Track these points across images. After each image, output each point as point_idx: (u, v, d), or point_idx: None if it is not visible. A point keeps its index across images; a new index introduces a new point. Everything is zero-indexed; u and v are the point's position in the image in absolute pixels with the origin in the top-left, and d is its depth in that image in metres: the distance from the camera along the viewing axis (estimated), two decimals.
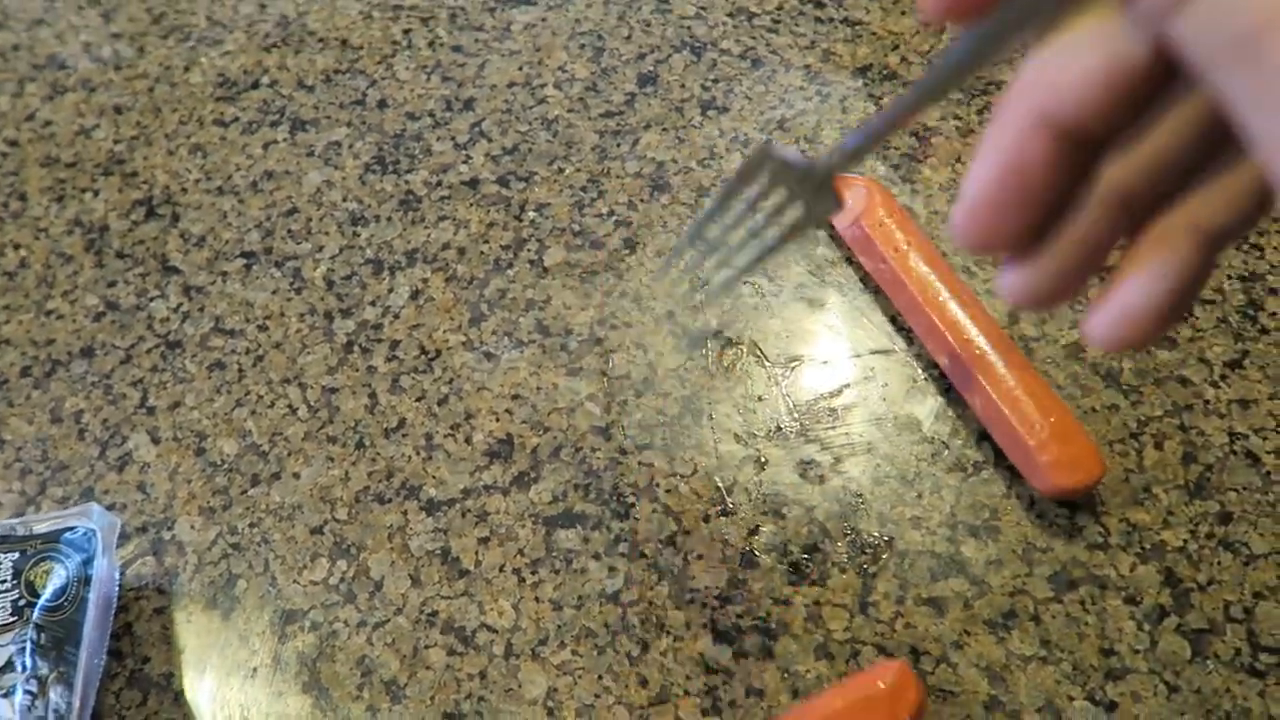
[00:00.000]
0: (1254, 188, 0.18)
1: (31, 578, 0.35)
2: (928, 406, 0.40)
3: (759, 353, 0.42)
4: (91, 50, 0.56)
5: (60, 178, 0.51)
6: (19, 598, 0.35)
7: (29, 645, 0.33)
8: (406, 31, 0.54)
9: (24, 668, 0.33)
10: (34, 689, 0.32)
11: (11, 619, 0.34)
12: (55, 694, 0.33)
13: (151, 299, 0.46)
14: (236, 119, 0.52)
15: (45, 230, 0.49)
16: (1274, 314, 0.42)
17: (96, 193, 0.50)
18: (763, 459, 0.40)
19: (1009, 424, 0.37)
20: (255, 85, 0.53)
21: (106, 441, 0.43)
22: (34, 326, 0.46)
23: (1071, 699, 0.34)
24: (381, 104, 0.52)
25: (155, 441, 0.43)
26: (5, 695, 0.32)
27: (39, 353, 0.45)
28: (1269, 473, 0.38)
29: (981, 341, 0.39)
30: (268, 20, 0.56)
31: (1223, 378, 0.40)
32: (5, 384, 0.45)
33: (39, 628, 0.34)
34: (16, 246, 0.49)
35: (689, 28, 0.53)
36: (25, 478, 0.42)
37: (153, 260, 0.48)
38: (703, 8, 0.53)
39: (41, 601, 0.34)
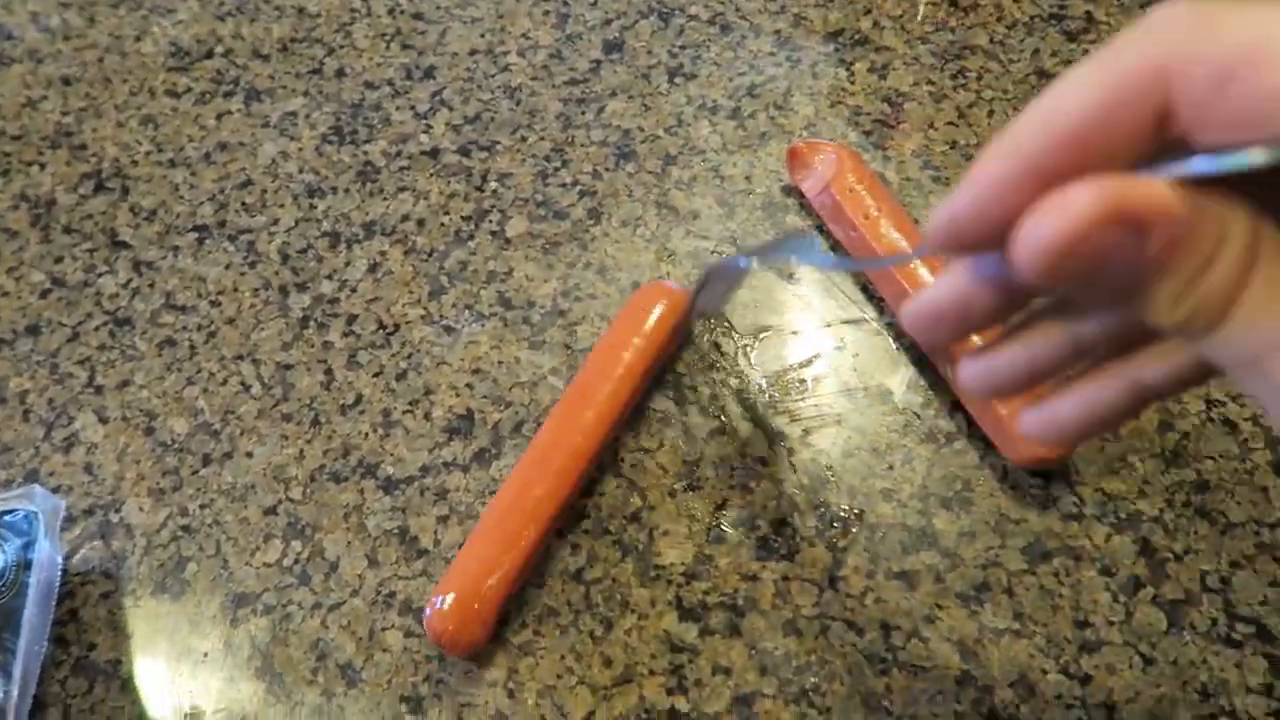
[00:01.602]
0: (1195, 365, 0.20)
1: None
2: (899, 377, 0.39)
3: (727, 324, 0.41)
4: (39, 20, 0.54)
5: (5, 151, 0.49)
6: None
7: None
8: None
9: None
10: None
11: None
12: None
13: (100, 275, 0.45)
14: (189, 89, 0.50)
15: None
16: None
17: (43, 166, 0.48)
18: (731, 431, 0.39)
19: None
20: (209, 55, 0.52)
21: (52, 422, 0.41)
22: None
23: (1045, 672, 0.33)
24: (340, 73, 0.50)
25: (103, 421, 0.41)
26: None
27: None
28: (1246, 439, 0.37)
29: None
30: None
31: None
32: None
33: None
34: None
35: None
36: None
37: (101, 235, 0.46)
38: None
39: None
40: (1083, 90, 0.17)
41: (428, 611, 0.34)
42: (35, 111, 0.50)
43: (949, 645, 0.34)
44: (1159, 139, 0.17)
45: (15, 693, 0.32)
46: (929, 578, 0.35)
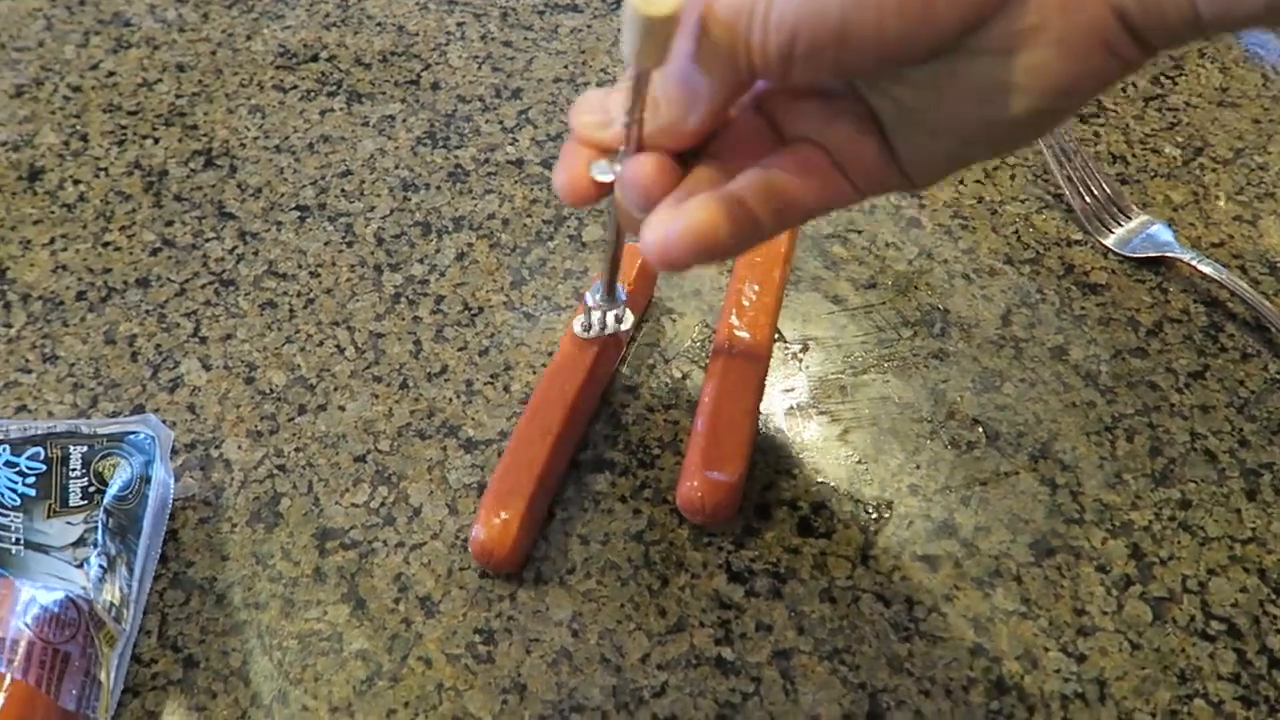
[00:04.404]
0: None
1: (100, 469, 0.37)
2: (928, 390, 0.45)
3: (778, 333, 0.46)
4: (156, 12, 0.59)
5: (122, 124, 0.54)
6: (89, 485, 0.37)
7: (100, 526, 0.35)
8: (460, 24, 0.58)
9: (96, 544, 0.35)
10: (104, 563, 0.34)
11: (83, 502, 0.36)
12: (120, 573, 0.35)
13: (207, 240, 0.49)
14: (295, 86, 0.55)
15: (105, 170, 0.52)
16: (1231, 335, 0.47)
17: (157, 140, 0.53)
18: (779, 425, 0.44)
19: None
20: (314, 58, 0.57)
21: (159, 364, 0.45)
22: (91, 255, 0.49)
23: (1047, 650, 0.38)
24: (435, 86, 0.56)
25: (206, 368, 0.45)
26: (80, 565, 0.34)
27: (95, 279, 0.48)
28: (1224, 469, 0.43)
29: None
30: (328, 1, 0.59)
31: (1186, 385, 0.45)
32: (61, 305, 0.47)
33: (108, 512, 0.36)
34: (76, 182, 0.51)
35: None
36: (77, 391, 0.44)
37: (210, 205, 0.50)
38: None
39: (111, 491, 0.37)
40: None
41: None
42: (151, 92, 0.55)
43: (964, 621, 0.39)
44: None
45: (136, 585, 0.36)
46: (949, 563, 0.40)
